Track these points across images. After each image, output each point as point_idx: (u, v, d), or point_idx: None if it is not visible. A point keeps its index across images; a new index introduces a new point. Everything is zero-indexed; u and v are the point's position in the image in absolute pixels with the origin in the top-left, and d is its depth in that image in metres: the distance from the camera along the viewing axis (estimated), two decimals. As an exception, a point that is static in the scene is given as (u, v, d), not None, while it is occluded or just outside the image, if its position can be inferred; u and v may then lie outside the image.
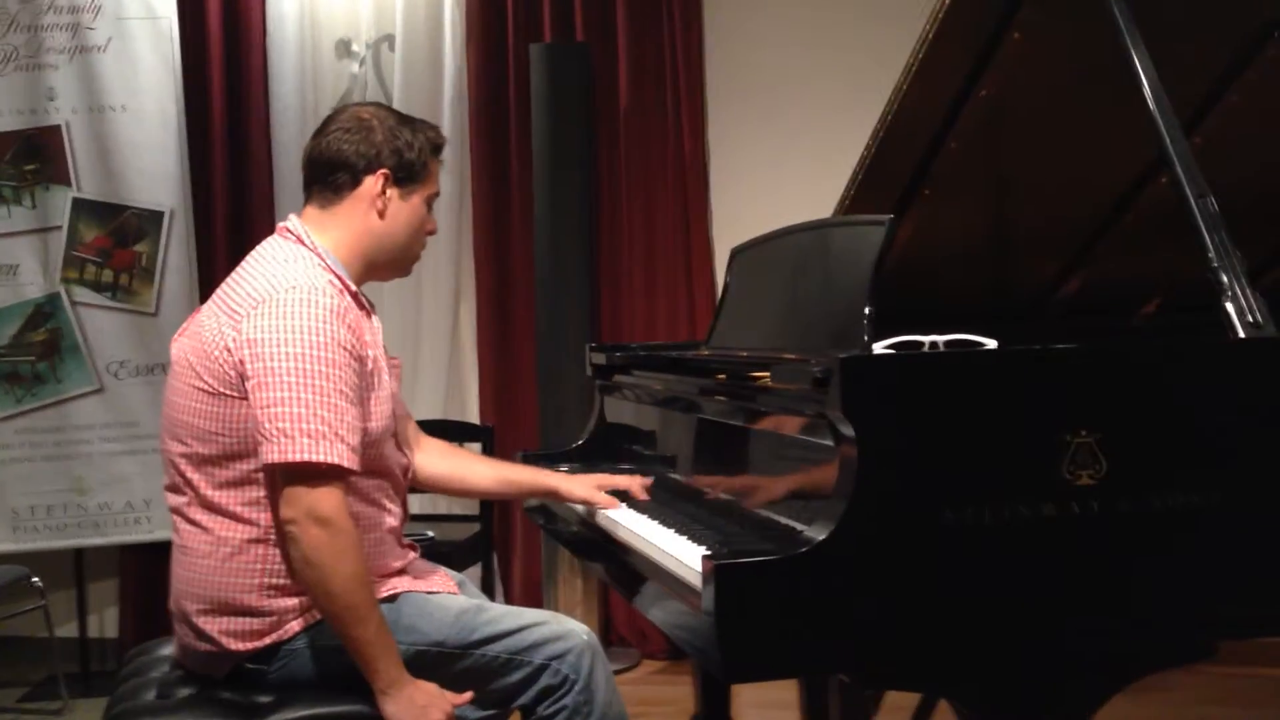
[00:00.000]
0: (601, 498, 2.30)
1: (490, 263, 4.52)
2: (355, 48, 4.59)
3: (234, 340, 1.94)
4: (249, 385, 1.92)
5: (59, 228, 4.15)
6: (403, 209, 2.12)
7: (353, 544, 1.90)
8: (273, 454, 1.88)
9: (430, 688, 1.94)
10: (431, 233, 2.20)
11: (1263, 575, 1.65)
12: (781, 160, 4.37)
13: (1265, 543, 1.64)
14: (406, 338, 4.48)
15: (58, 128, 4.15)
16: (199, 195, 4.37)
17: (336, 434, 1.89)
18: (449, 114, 4.51)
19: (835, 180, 2.42)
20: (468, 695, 1.98)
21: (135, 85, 4.17)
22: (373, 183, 2.09)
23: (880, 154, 2.26)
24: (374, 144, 2.09)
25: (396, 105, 4.39)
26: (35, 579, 3.95)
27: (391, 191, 2.10)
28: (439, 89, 4.52)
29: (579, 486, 2.34)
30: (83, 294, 4.17)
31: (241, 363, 1.93)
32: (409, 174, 2.11)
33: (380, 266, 2.15)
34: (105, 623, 4.62)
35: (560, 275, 4.21)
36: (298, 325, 1.91)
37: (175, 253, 4.21)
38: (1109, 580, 1.60)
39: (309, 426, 1.87)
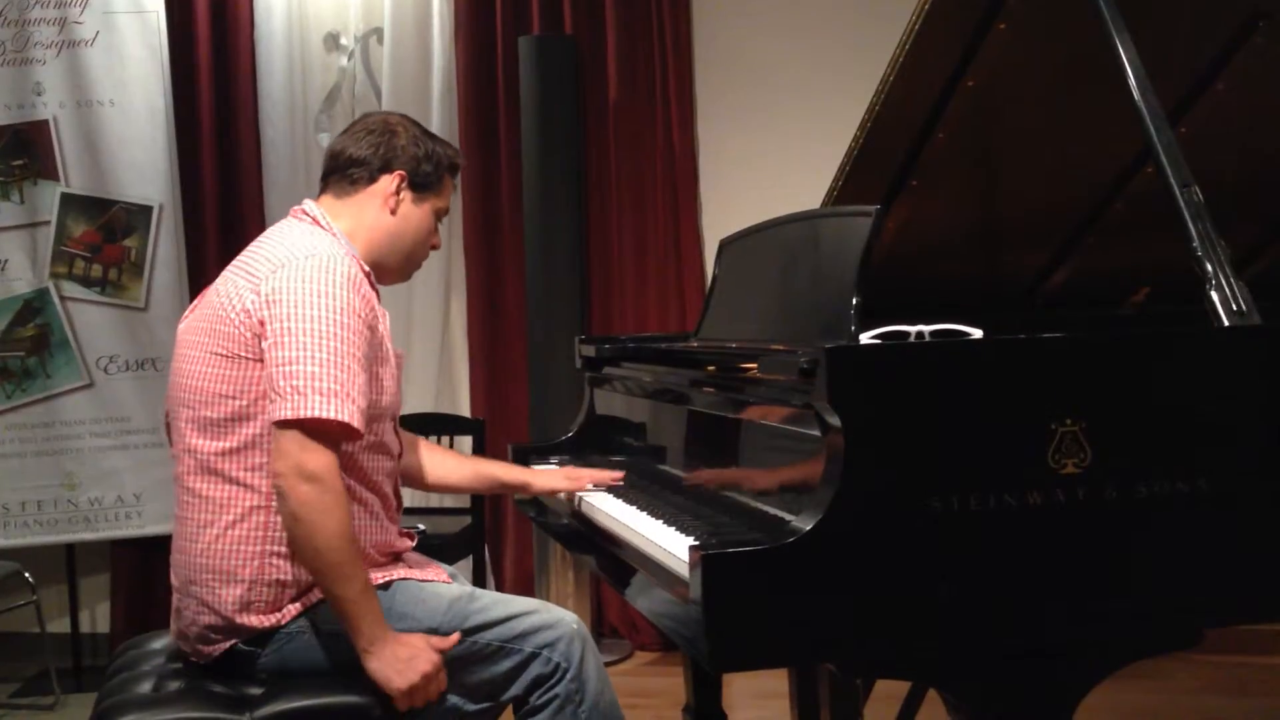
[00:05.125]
0: (565, 485, 2.44)
1: (480, 256, 4.53)
2: (344, 41, 4.59)
3: (253, 302, 1.98)
4: (265, 345, 1.95)
5: (47, 223, 4.15)
6: (414, 212, 2.19)
7: (340, 502, 1.91)
8: (284, 410, 1.90)
9: (415, 640, 1.95)
10: (435, 247, 2.27)
11: (1247, 563, 1.66)
12: (770, 151, 4.37)
13: (1250, 530, 1.65)
14: (397, 332, 4.46)
15: (45, 122, 4.14)
16: (188, 189, 4.36)
17: (348, 394, 1.92)
18: (438, 107, 4.51)
19: (824, 171, 2.42)
20: (453, 638, 1.99)
21: (123, 79, 4.16)
22: (388, 181, 2.17)
23: (868, 145, 2.27)
24: (395, 147, 2.17)
25: (385, 98, 4.43)
26: (26, 574, 3.96)
27: (405, 193, 2.18)
28: (428, 82, 4.51)
29: (547, 479, 2.48)
30: (72, 289, 4.16)
31: (261, 323, 1.96)
32: (424, 182, 2.19)
33: (384, 267, 2.21)
34: (97, 618, 4.62)
35: (550, 267, 4.21)
36: (316, 289, 1.96)
37: (164, 247, 4.20)
38: (1094, 568, 1.60)
39: (322, 385, 1.90)
